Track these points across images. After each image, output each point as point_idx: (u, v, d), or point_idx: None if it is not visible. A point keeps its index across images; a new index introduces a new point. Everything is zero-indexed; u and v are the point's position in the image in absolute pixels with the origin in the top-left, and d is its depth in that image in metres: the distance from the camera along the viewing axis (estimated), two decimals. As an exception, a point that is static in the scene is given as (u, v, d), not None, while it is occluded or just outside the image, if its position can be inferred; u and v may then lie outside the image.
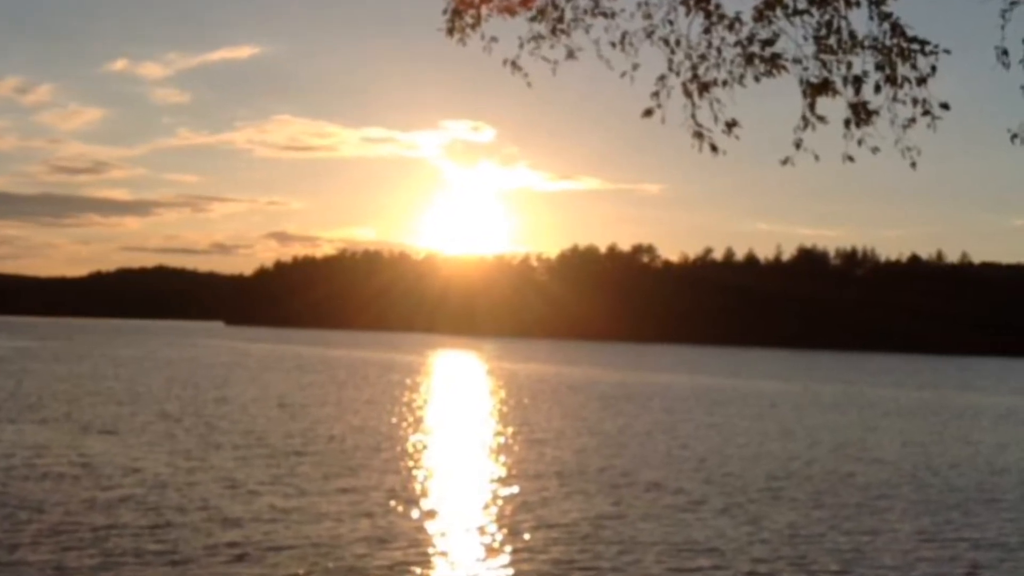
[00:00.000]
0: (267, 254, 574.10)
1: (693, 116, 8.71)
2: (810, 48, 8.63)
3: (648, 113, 8.74)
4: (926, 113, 8.43)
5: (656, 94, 8.74)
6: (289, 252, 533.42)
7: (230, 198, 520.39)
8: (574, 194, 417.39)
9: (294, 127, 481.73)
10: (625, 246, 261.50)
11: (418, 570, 17.27)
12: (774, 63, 8.67)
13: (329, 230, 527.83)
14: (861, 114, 8.51)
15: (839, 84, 8.56)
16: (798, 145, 8.63)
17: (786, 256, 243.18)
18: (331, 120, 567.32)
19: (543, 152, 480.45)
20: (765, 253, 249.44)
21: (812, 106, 8.59)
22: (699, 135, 8.67)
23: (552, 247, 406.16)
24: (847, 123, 8.53)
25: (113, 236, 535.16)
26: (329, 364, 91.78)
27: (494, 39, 9.54)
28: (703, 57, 8.84)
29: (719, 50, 8.81)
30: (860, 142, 8.52)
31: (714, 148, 8.67)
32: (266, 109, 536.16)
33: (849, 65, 8.57)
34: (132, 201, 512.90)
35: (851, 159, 8.58)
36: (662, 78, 8.78)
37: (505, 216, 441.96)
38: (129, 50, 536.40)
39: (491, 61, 9.40)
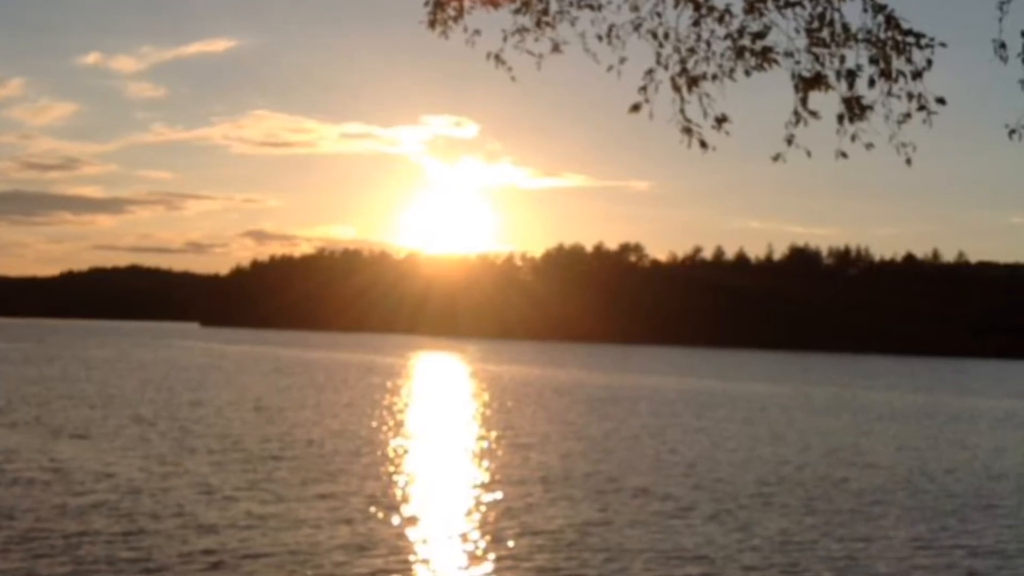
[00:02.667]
0: (243, 253, 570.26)
1: (682, 111, 8.63)
2: (802, 41, 8.57)
3: (636, 108, 8.65)
4: (921, 108, 8.32)
5: (644, 89, 8.66)
6: (266, 251, 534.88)
7: (205, 195, 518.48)
8: (559, 191, 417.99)
9: (271, 122, 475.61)
10: (612, 245, 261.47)
11: (398, 579, 16.97)
12: (765, 57, 8.60)
13: (307, 228, 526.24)
14: (855, 109, 8.44)
15: (832, 78, 8.48)
16: (790, 141, 8.55)
17: (777, 255, 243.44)
18: (309, 115, 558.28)
19: (528, 148, 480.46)
20: (756, 252, 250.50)
21: (804, 101, 8.50)
22: (688, 131, 8.59)
23: (537, 246, 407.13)
24: (840, 118, 8.43)
25: (85, 235, 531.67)
26: (307, 366, 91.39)
27: (477, 32, 9.45)
28: (692, 51, 8.78)
29: (708, 43, 8.74)
30: (853, 138, 8.41)
31: (703, 144, 8.59)
32: (243, 104, 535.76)
33: (842, 59, 8.48)
34: (105, 199, 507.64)
35: (844, 155, 8.46)
36: (650, 72, 8.68)
37: (488, 214, 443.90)
38: (102, 43, 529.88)
39: (474, 55, 9.33)
